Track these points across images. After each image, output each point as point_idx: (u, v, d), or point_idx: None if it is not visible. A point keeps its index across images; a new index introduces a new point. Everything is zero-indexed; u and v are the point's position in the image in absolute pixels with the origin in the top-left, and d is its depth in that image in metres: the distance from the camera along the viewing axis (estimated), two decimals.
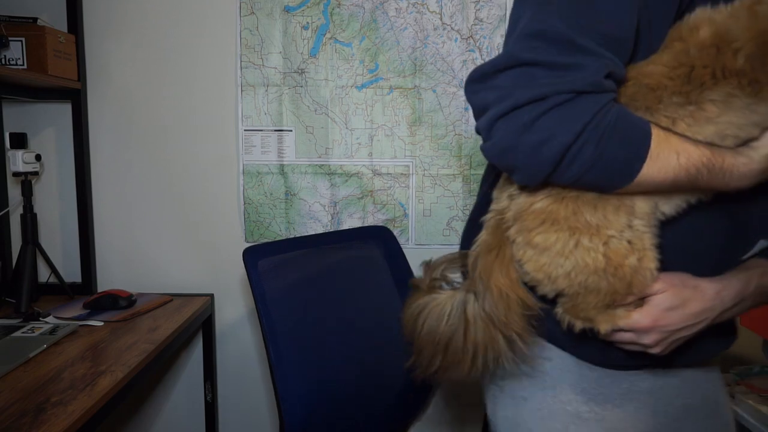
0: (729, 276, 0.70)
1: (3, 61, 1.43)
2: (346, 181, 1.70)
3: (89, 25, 1.65)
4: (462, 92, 1.68)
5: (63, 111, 1.66)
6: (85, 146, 1.66)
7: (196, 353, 1.77)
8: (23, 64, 1.44)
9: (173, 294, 1.67)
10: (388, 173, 1.70)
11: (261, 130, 1.68)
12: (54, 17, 1.62)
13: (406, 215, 1.72)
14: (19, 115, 1.66)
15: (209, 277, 1.73)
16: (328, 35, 1.66)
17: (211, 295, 1.72)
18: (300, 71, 1.66)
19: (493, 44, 1.67)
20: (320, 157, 1.69)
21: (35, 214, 1.57)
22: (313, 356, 1.27)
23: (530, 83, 0.58)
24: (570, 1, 0.59)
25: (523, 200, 0.67)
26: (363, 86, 1.67)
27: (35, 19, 1.50)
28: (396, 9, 1.65)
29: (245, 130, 1.68)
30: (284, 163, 1.69)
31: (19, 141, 1.56)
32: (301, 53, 1.66)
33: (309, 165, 1.69)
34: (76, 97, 1.63)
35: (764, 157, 0.63)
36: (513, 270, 0.69)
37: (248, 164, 1.69)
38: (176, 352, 1.76)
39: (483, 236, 0.73)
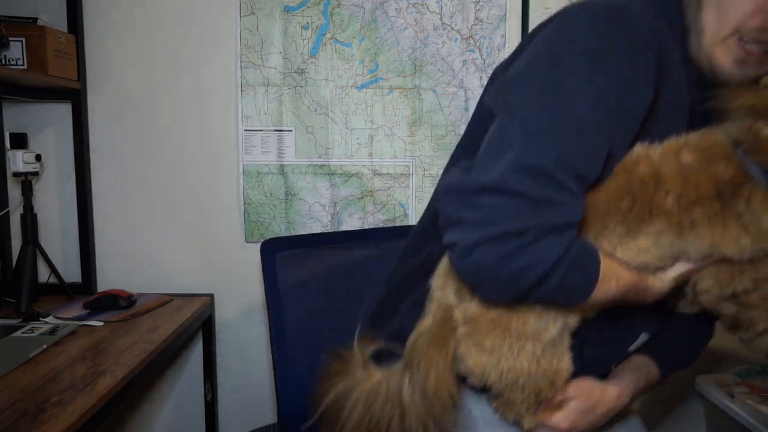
0: (625, 377, 0.88)
1: (3, 61, 1.43)
2: (346, 181, 1.70)
3: (89, 25, 1.65)
4: (462, 92, 1.68)
5: (63, 111, 1.66)
6: (85, 146, 1.66)
7: (196, 353, 1.77)
8: (23, 64, 1.44)
9: (173, 294, 1.67)
10: (388, 173, 1.70)
11: (261, 130, 1.69)
12: (54, 17, 1.61)
13: (406, 215, 1.72)
14: (19, 115, 1.66)
15: (209, 277, 1.73)
16: (328, 35, 1.66)
17: (211, 295, 1.72)
18: (300, 71, 1.66)
19: (493, 44, 1.67)
20: (320, 157, 1.69)
21: (35, 214, 1.57)
22: (319, 358, 1.26)
23: (516, 214, 0.63)
24: (560, 143, 0.65)
25: (476, 307, 0.75)
26: (363, 86, 1.67)
27: (35, 19, 1.50)
28: (396, 9, 1.65)
29: (245, 130, 1.68)
30: (284, 163, 1.69)
31: (19, 141, 1.56)
32: (301, 53, 1.66)
33: (309, 165, 1.69)
34: (76, 97, 1.63)
35: (671, 280, 0.76)
36: (453, 365, 0.77)
37: (248, 164, 1.69)
38: (176, 352, 1.76)
39: (428, 324, 0.79)
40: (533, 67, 0.70)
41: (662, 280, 0.76)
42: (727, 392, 1.54)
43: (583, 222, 0.69)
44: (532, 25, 1.67)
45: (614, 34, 0.68)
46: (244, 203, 1.70)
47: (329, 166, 1.69)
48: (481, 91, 1.68)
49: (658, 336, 0.93)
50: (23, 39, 1.43)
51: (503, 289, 0.68)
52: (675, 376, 1.94)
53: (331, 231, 1.70)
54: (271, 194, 1.70)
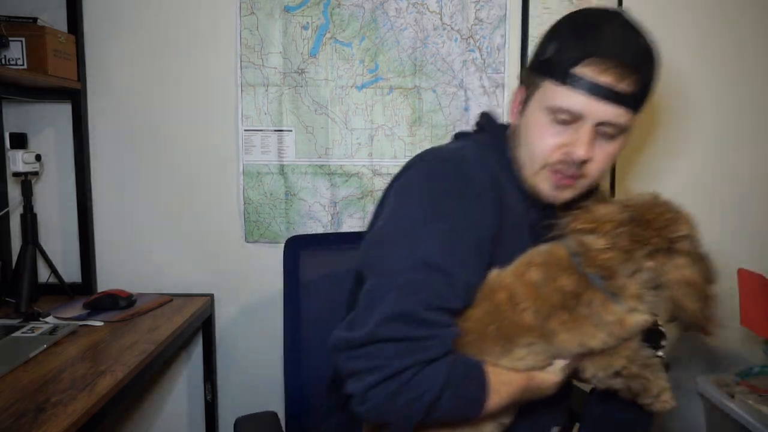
0: None
1: (3, 61, 1.43)
2: (346, 181, 1.70)
3: (89, 25, 1.65)
4: (462, 92, 1.68)
5: (63, 111, 1.66)
6: (85, 146, 1.66)
7: (196, 353, 1.77)
8: (23, 64, 1.44)
9: (173, 294, 1.67)
10: (388, 173, 1.70)
11: (261, 130, 1.68)
12: (54, 17, 1.61)
13: None
14: (19, 115, 1.66)
15: (209, 277, 1.73)
16: (328, 35, 1.66)
17: (211, 295, 1.71)
18: (300, 71, 1.66)
19: (493, 44, 1.67)
20: (320, 157, 1.69)
21: (35, 214, 1.57)
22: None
23: (394, 357, 0.73)
24: (422, 288, 0.76)
25: None
26: (363, 86, 1.67)
27: (35, 19, 1.50)
28: (396, 9, 1.65)
29: (245, 130, 1.68)
30: (284, 163, 1.69)
31: (19, 141, 1.56)
32: (301, 53, 1.66)
33: (309, 165, 1.69)
34: (76, 97, 1.63)
35: (560, 370, 0.85)
36: None
37: (248, 164, 1.69)
38: (176, 352, 1.76)
39: None
40: (387, 226, 0.83)
41: (553, 373, 0.85)
42: (727, 392, 1.54)
43: (463, 349, 0.80)
44: (532, 25, 1.67)
45: (452, 182, 0.82)
46: (244, 203, 1.70)
47: (329, 166, 1.69)
48: (481, 91, 1.68)
49: (594, 415, 1.01)
50: (23, 39, 1.43)
51: (403, 419, 0.75)
52: (675, 376, 1.93)
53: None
54: (271, 194, 1.70)
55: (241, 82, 1.66)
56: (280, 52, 1.66)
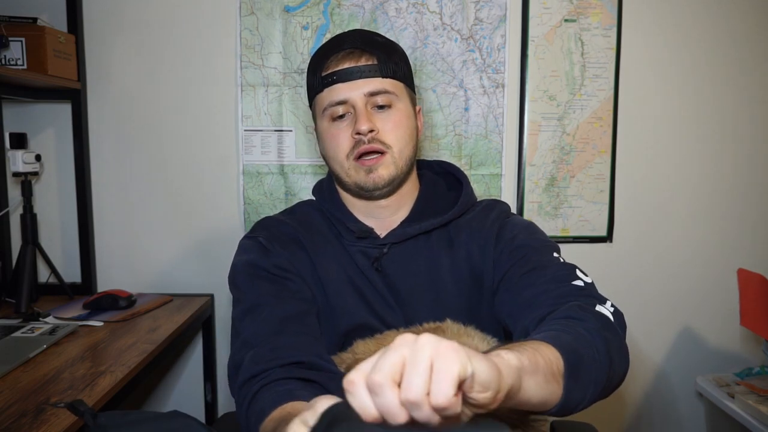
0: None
1: (3, 61, 1.43)
2: None
3: (89, 25, 1.65)
4: (462, 92, 1.68)
5: (63, 111, 1.66)
6: (85, 146, 1.66)
7: (196, 353, 1.77)
8: (23, 64, 1.44)
9: (173, 294, 1.67)
10: None
11: (261, 130, 1.68)
12: (54, 17, 1.62)
13: None
14: (19, 115, 1.66)
15: (209, 277, 1.73)
16: (328, 35, 1.65)
17: (211, 295, 1.71)
18: (300, 71, 1.66)
19: (493, 44, 1.67)
20: (320, 157, 1.69)
21: (35, 214, 1.57)
22: None
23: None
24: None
25: None
26: None
27: (35, 19, 1.50)
28: (396, 9, 1.65)
29: (245, 130, 1.68)
30: (284, 163, 1.69)
31: (19, 141, 1.56)
32: (301, 53, 1.66)
33: (309, 165, 1.69)
34: (76, 97, 1.63)
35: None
36: None
37: (248, 164, 1.69)
38: (176, 352, 1.76)
39: None
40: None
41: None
42: (727, 392, 1.54)
43: None
44: (532, 24, 1.67)
45: (257, 254, 0.98)
46: (244, 203, 1.70)
47: None
48: (481, 91, 1.68)
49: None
50: (23, 39, 1.43)
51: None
52: (675, 375, 1.93)
53: None
54: (271, 194, 1.70)
55: (241, 82, 1.66)
56: (280, 52, 1.66)
